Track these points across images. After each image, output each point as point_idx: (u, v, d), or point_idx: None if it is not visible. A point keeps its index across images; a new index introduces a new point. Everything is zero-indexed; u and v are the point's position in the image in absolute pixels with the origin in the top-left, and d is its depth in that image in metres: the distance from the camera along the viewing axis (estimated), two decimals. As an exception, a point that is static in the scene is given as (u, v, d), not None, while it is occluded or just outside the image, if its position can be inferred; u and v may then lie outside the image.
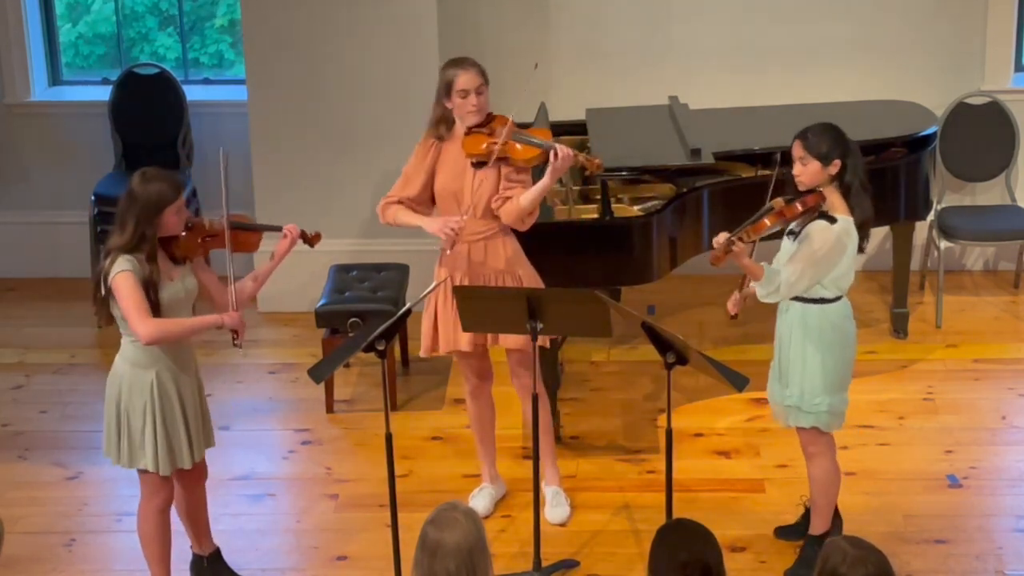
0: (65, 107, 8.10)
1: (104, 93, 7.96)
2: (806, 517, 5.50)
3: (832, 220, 5.00)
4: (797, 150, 5.07)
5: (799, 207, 5.00)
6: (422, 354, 5.69)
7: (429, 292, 5.10)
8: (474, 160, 5.40)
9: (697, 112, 7.01)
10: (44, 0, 8.05)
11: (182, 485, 5.19)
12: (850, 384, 5.22)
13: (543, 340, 5.55)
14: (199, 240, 5.00)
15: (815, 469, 5.26)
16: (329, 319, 6.63)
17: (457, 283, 5.48)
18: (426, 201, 5.57)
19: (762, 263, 5.07)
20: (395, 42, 7.31)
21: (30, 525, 5.83)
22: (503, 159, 5.39)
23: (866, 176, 5.13)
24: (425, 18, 7.28)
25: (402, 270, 7.03)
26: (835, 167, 5.03)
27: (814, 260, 4.99)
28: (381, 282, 6.89)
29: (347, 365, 6.88)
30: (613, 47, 7.68)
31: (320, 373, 5.16)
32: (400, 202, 5.54)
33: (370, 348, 4.98)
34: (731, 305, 5.23)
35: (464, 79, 5.39)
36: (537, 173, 5.47)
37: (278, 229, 5.19)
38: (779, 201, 5.02)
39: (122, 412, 4.95)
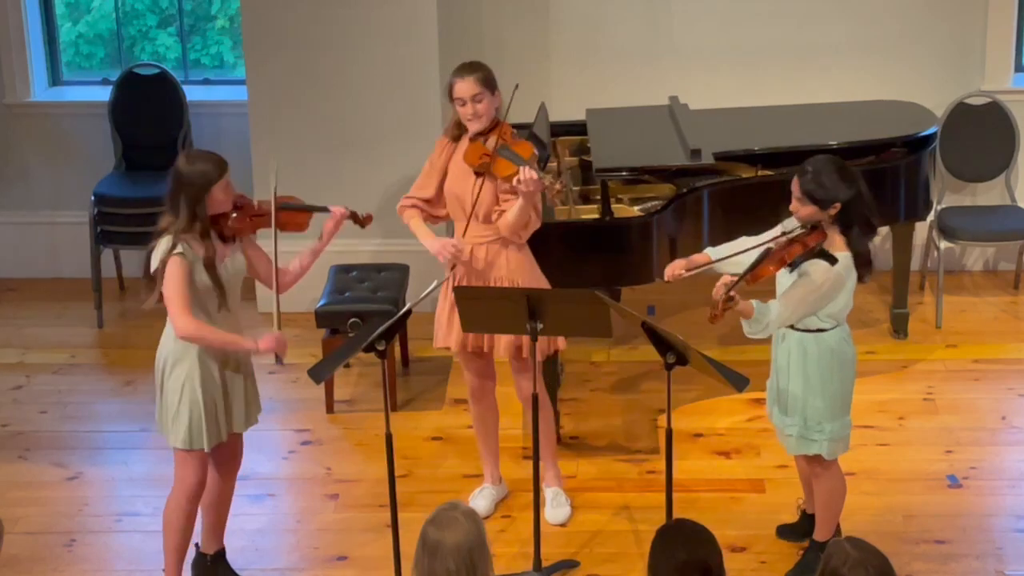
0: (65, 107, 8.10)
1: (104, 93, 7.96)
2: (805, 519, 5.49)
3: (832, 260, 4.87)
4: (795, 188, 4.95)
5: (799, 248, 4.86)
6: (434, 344, 5.69)
7: (429, 292, 5.10)
8: (472, 169, 5.42)
9: (697, 112, 7.01)
10: (44, 0, 8.05)
11: (217, 470, 5.22)
12: (850, 408, 5.18)
13: (541, 355, 5.55)
14: (248, 218, 5.07)
15: (819, 487, 5.24)
16: (329, 319, 6.63)
17: (460, 283, 5.49)
18: (441, 201, 5.60)
19: (751, 300, 4.91)
20: (395, 42, 7.31)
21: (30, 525, 5.83)
22: (489, 172, 5.41)
23: (873, 208, 5.00)
24: (425, 18, 7.28)
25: (402, 270, 7.03)
26: (834, 209, 4.90)
27: (810, 300, 4.90)
28: (381, 282, 6.89)
29: (347, 365, 6.89)
30: (613, 47, 7.68)
31: (320, 373, 5.16)
32: (415, 205, 5.57)
33: (370, 348, 4.98)
34: (670, 272, 5.15)
35: (459, 87, 5.40)
36: None
37: (325, 210, 5.26)
38: (780, 242, 4.88)
39: (164, 387, 5.01)
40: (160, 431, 5.11)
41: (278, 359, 5.05)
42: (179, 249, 4.85)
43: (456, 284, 5.48)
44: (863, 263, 4.97)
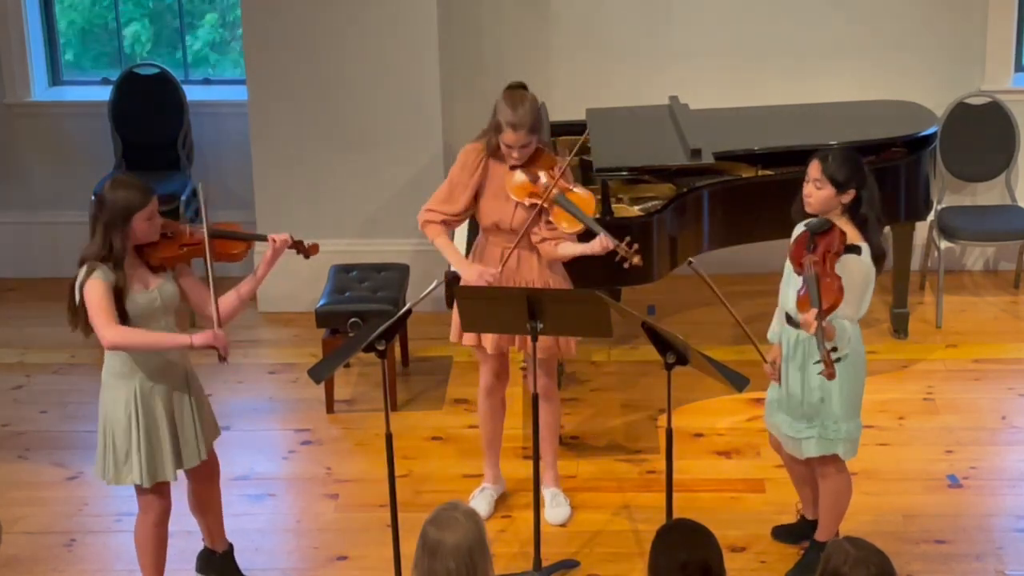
0: (65, 107, 8.10)
1: (104, 93, 7.95)
2: (803, 523, 5.48)
3: (857, 250, 4.91)
4: (814, 171, 4.96)
5: (835, 256, 4.83)
6: (451, 339, 5.67)
7: (429, 292, 5.10)
8: (518, 201, 5.40)
9: (697, 112, 7.01)
10: (44, 0, 8.05)
11: (193, 483, 5.20)
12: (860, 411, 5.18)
13: (568, 349, 5.59)
14: (177, 248, 4.92)
15: (826, 487, 5.23)
16: (329, 319, 6.63)
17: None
18: (467, 211, 5.55)
19: (831, 321, 4.83)
20: (395, 42, 7.31)
21: (30, 525, 5.83)
22: (544, 212, 5.39)
23: (881, 210, 5.05)
24: (425, 18, 7.28)
25: (402, 270, 7.03)
26: (848, 196, 4.94)
27: (861, 292, 4.92)
28: (381, 282, 6.89)
29: (347, 365, 6.88)
30: (613, 47, 7.68)
31: (320, 373, 5.16)
32: (444, 221, 5.51)
33: (370, 348, 4.98)
34: (772, 372, 5.17)
35: (510, 137, 5.32)
36: None
37: (263, 238, 5.07)
38: (815, 261, 4.81)
39: (107, 428, 4.94)
40: (104, 477, 4.99)
41: (220, 357, 4.87)
42: (96, 274, 4.75)
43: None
44: (878, 255, 5.00)
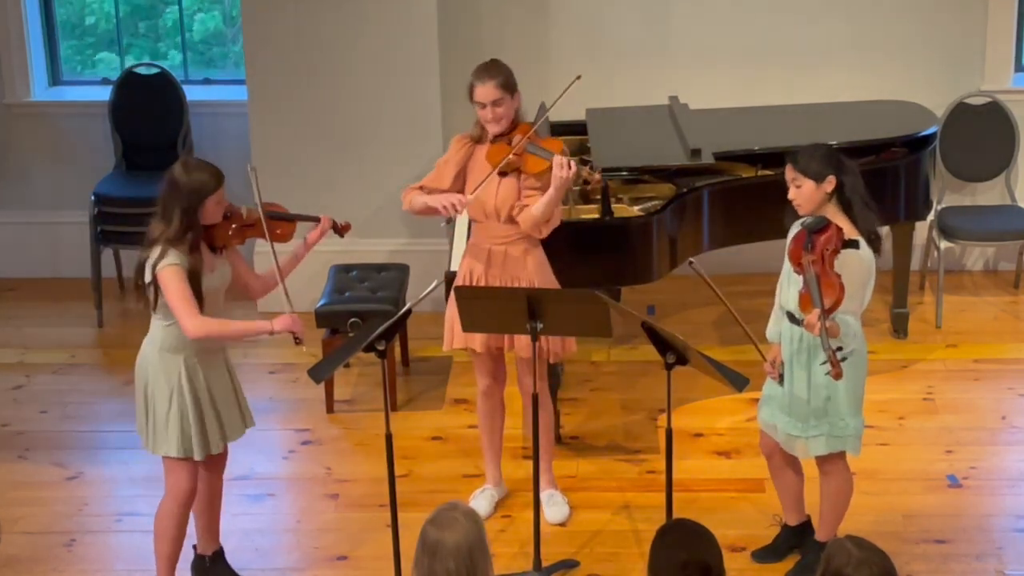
0: (65, 107, 8.10)
1: (104, 93, 7.96)
2: (782, 535, 5.47)
3: (855, 244, 4.90)
4: (789, 173, 4.99)
5: (832, 253, 4.82)
6: (444, 347, 5.68)
7: (429, 292, 5.10)
8: (495, 169, 5.41)
9: (697, 112, 7.01)
10: (44, 0, 8.05)
11: (206, 474, 5.22)
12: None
13: (556, 357, 5.59)
14: (238, 229, 5.04)
15: (829, 486, 5.21)
16: (329, 319, 6.63)
17: (475, 282, 5.48)
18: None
19: (834, 318, 4.81)
20: (395, 42, 7.31)
21: (30, 525, 5.83)
22: (517, 168, 5.41)
23: (867, 192, 5.05)
24: (425, 18, 7.28)
25: (402, 270, 7.03)
26: (830, 184, 4.95)
27: (861, 287, 4.91)
28: (381, 282, 6.89)
29: (347, 365, 6.88)
30: (613, 47, 7.68)
31: (320, 373, 5.16)
32: (422, 187, 5.54)
33: (370, 348, 4.98)
34: (773, 372, 5.16)
35: (479, 92, 5.39)
36: None
37: (315, 219, 5.25)
38: (811, 260, 4.79)
39: (149, 396, 5.00)
40: (144, 440, 5.06)
41: (297, 339, 4.98)
42: (172, 257, 4.81)
43: (466, 284, 5.48)
44: (873, 239, 5.00)
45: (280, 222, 5.19)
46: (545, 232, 5.47)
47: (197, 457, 5.02)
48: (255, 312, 7.50)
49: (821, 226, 4.86)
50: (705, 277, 4.96)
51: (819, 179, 4.94)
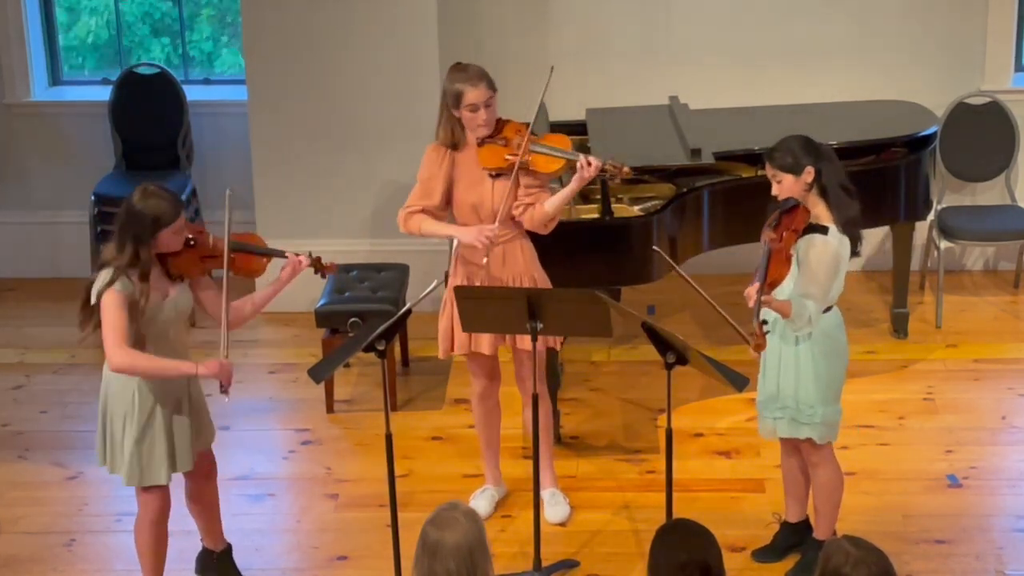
0: (65, 107, 8.10)
1: (104, 93, 7.96)
2: (781, 534, 5.47)
3: (823, 231, 4.94)
4: (769, 171, 5.02)
5: (792, 235, 4.94)
6: (441, 356, 5.69)
7: (429, 292, 5.10)
8: (492, 172, 5.40)
9: (697, 112, 7.01)
10: (44, 0, 8.05)
11: (190, 482, 5.20)
12: (841, 396, 5.18)
13: (554, 342, 5.58)
14: (198, 259, 4.92)
15: (818, 477, 5.23)
16: (329, 319, 6.63)
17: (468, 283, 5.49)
18: (445, 208, 5.52)
19: (785, 298, 4.92)
20: (395, 42, 7.31)
21: (30, 525, 5.83)
22: (523, 169, 5.39)
23: (847, 178, 5.05)
24: (425, 18, 7.28)
25: (402, 270, 7.03)
26: (809, 175, 4.96)
27: (826, 271, 4.92)
28: (381, 282, 6.89)
29: (347, 365, 6.89)
30: (613, 47, 7.68)
31: (320, 373, 5.16)
32: (423, 211, 5.48)
33: (370, 348, 4.97)
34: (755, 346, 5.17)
35: (473, 94, 5.34)
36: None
37: (282, 255, 5.09)
38: (769, 237, 4.97)
39: (106, 419, 4.94)
40: (104, 463, 5.00)
41: (222, 387, 4.82)
42: (117, 285, 4.72)
43: (462, 284, 5.47)
44: (851, 225, 4.99)
45: (247, 256, 5.02)
46: (550, 228, 5.47)
47: (162, 482, 4.94)
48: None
49: (790, 207, 5.03)
50: (674, 265, 5.05)
51: (797, 171, 4.97)
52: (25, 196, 8.10)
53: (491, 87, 5.38)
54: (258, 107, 7.47)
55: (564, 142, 5.47)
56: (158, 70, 7.90)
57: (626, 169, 5.39)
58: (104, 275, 4.76)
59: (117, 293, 4.72)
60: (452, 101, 5.40)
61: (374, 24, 7.29)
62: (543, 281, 5.56)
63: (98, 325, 4.80)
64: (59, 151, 8.05)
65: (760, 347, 4.73)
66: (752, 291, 4.83)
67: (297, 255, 5.09)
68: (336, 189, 7.50)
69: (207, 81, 8.17)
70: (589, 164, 5.29)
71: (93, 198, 7.56)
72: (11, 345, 7.40)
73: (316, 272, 5.20)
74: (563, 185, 5.54)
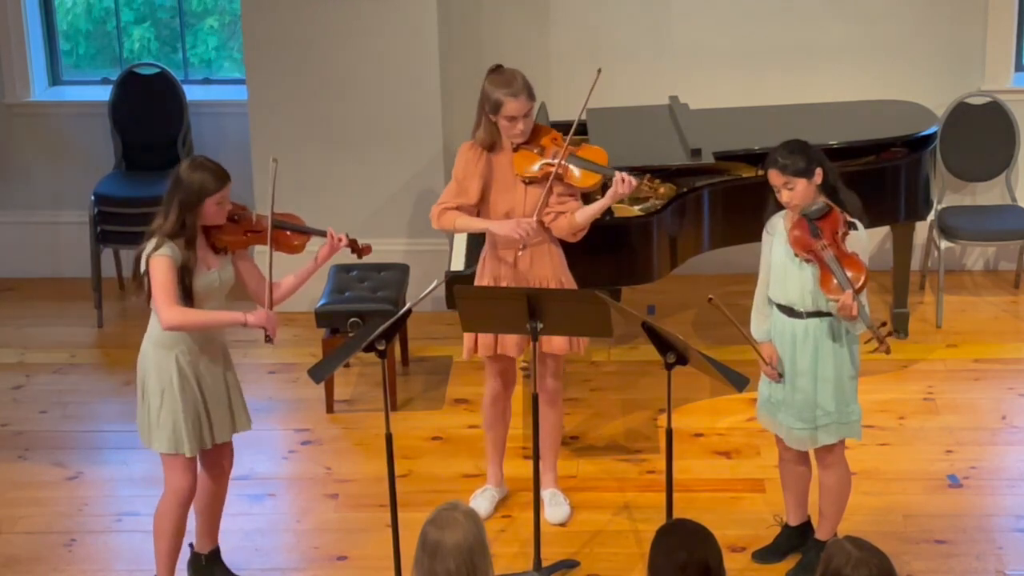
0: (65, 107, 8.10)
1: (104, 93, 7.96)
2: (782, 535, 5.47)
3: (854, 226, 5.00)
4: (776, 179, 5.00)
5: (844, 236, 4.94)
6: (464, 357, 5.69)
7: (429, 292, 5.10)
8: (526, 179, 5.40)
9: (697, 112, 7.01)
10: (44, 0, 8.05)
11: (207, 474, 5.22)
12: None
13: (578, 345, 5.57)
14: (242, 233, 5.07)
15: (831, 478, 5.22)
16: (329, 319, 6.63)
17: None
18: (478, 206, 5.50)
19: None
20: (395, 42, 7.31)
21: (30, 525, 5.83)
22: (558, 178, 5.39)
23: (836, 174, 5.10)
24: (425, 18, 7.28)
25: (402, 270, 7.03)
26: (819, 176, 4.98)
27: (866, 268, 4.95)
28: (381, 282, 6.89)
29: (347, 365, 6.88)
30: (613, 47, 7.68)
31: (320, 373, 5.16)
32: (458, 207, 5.47)
33: (370, 348, 4.98)
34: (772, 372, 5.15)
35: (513, 106, 5.32)
36: None
37: (323, 234, 5.21)
38: (824, 245, 4.90)
39: (145, 391, 5.03)
40: (141, 436, 5.10)
41: (267, 337, 5.01)
42: (164, 249, 4.86)
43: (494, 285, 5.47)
44: (862, 218, 5.06)
45: (288, 233, 5.18)
46: (579, 236, 5.49)
47: (187, 453, 5.02)
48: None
49: (823, 212, 4.97)
50: (724, 309, 4.85)
51: (809, 175, 4.98)
52: (25, 196, 8.10)
53: (531, 98, 5.37)
54: (258, 107, 7.47)
55: (601, 156, 5.45)
56: (158, 70, 7.90)
57: (662, 190, 5.38)
58: (151, 243, 4.90)
59: (164, 257, 4.86)
60: (491, 108, 5.38)
61: (375, 24, 7.29)
62: (570, 286, 5.55)
63: (148, 294, 4.93)
64: (59, 151, 8.05)
65: (888, 350, 4.78)
66: (848, 300, 4.79)
67: (336, 235, 5.21)
68: (336, 189, 7.49)
69: (207, 81, 8.17)
70: (623, 181, 5.28)
71: (93, 198, 7.57)
72: (11, 345, 7.40)
73: (352, 252, 5.32)
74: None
